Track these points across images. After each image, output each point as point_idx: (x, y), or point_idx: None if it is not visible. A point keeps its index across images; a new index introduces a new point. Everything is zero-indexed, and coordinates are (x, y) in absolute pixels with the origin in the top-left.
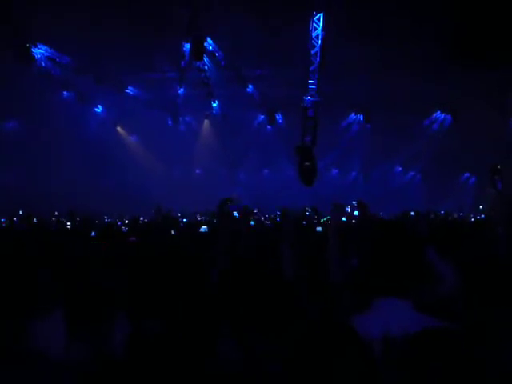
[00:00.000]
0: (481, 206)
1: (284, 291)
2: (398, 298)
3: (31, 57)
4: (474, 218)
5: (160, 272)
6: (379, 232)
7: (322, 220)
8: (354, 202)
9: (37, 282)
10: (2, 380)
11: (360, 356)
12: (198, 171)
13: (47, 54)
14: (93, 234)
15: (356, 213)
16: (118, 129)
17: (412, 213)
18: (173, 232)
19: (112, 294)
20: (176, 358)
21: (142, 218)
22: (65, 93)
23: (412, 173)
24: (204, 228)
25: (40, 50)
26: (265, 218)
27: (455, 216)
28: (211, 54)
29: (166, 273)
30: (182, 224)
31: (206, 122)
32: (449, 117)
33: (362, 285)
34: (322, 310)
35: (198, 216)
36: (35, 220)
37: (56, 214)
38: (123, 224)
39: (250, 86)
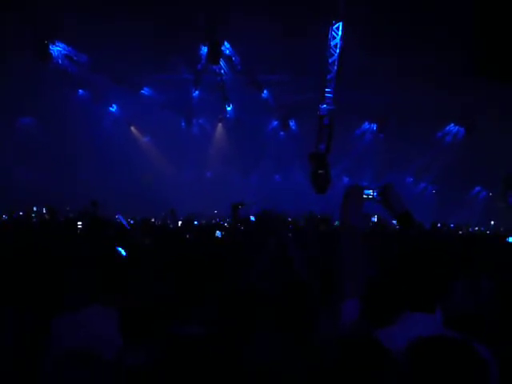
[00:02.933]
0: (492, 222)
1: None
2: (424, 312)
3: (49, 54)
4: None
5: (194, 275)
6: (410, 243)
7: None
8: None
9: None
10: (57, 379)
11: (385, 368)
12: (209, 174)
13: (65, 52)
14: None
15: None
16: (132, 129)
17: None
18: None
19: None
20: (214, 358)
21: (153, 220)
22: (80, 91)
23: (423, 184)
24: (219, 233)
25: (58, 48)
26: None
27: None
28: (228, 58)
29: (199, 276)
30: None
31: (219, 125)
32: (462, 129)
33: (383, 297)
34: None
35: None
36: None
37: (67, 209)
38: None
39: (265, 92)
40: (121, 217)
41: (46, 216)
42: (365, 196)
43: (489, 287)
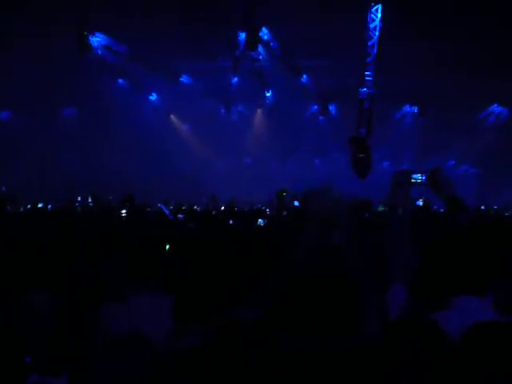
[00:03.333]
0: None
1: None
2: (478, 296)
3: (89, 45)
4: None
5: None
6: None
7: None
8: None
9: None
10: (104, 365)
11: (444, 350)
12: (248, 160)
13: (104, 43)
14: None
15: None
16: (171, 117)
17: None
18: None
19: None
20: (266, 343)
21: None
22: (120, 80)
23: (465, 167)
24: (261, 221)
25: (97, 39)
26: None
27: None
28: (266, 44)
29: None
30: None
31: (258, 111)
32: (505, 110)
33: (433, 283)
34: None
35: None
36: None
37: (110, 198)
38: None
39: (304, 76)
40: (162, 206)
41: (91, 204)
42: (413, 180)
43: None
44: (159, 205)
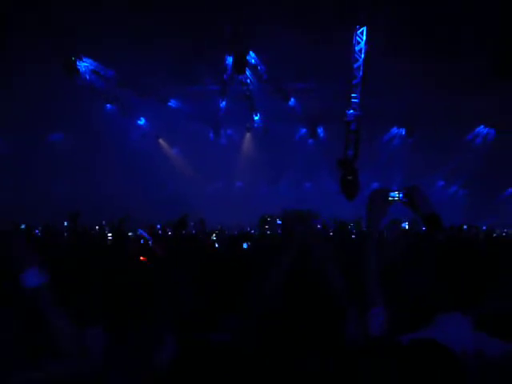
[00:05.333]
0: None
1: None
2: (460, 314)
3: (76, 70)
4: None
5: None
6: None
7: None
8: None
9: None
10: None
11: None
12: (238, 184)
13: (91, 68)
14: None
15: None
16: (160, 141)
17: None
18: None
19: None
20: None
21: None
22: (108, 105)
23: (454, 187)
24: (245, 244)
25: (85, 64)
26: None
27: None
28: (253, 68)
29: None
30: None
31: (247, 135)
32: (492, 131)
33: (412, 303)
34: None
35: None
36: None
37: (103, 223)
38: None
39: (291, 100)
40: (142, 231)
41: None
42: (390, 198)
43: None
44: (139, 230)
